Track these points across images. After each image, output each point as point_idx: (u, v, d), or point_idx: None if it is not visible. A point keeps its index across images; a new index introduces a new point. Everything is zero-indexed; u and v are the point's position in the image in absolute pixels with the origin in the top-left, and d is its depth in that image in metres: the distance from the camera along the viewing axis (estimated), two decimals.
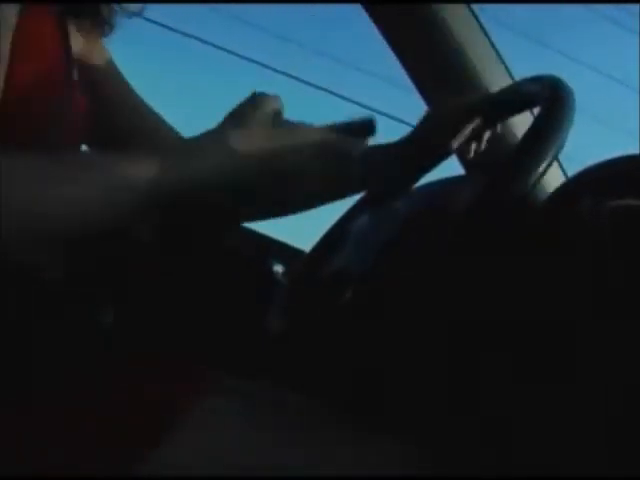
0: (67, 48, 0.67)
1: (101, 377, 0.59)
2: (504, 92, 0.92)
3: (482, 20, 1.06)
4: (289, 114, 0.63)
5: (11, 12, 0.52)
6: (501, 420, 0.62)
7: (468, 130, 0.86)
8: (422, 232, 0.71)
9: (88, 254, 0.67)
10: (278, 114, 0.60)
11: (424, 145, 0.86)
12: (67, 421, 0.56)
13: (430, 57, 1.05)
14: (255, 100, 0.60)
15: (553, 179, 0.95)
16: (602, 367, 0.57)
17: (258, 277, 1.00)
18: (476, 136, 0.88)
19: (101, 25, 0.75)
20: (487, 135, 0.89)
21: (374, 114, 0.65)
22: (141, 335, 0.69)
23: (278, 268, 1.02)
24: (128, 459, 0.54)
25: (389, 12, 1.02)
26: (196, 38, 2.83)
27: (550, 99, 0.68)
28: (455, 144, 0.86)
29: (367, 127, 0.64)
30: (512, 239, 0.63)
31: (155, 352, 0.66)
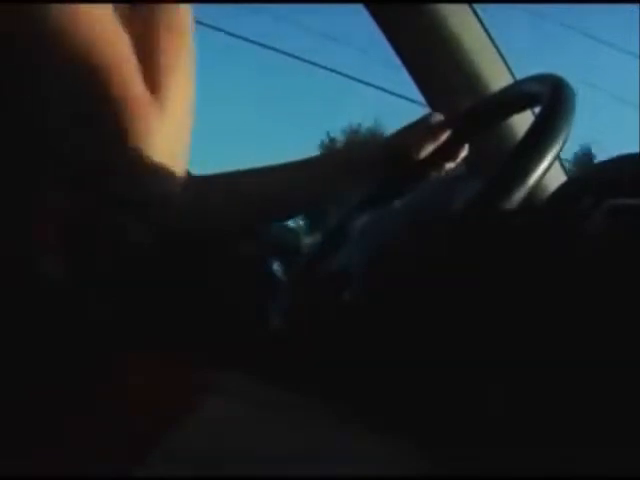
0: None
1: (101, 377, 0.59)
2: (505, 91, 0.92)
3: (483, 19, 1.06)
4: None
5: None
6: (501, 420, 0.62)
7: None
8: (422, 232, 0.71)
9: (89, 254, 0.67)
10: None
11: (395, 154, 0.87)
12: (67, 421, 0.56)
13: (431, 57, 1.05)
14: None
15: (554, 179, 0.95)
16: (602, 366, 0.57)
17: (258, 277, 1.00)
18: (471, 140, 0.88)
19: None
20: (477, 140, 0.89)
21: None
22: (141, 335, 0.69)
23: (278, 268, 1.02)
24: (128, 459, 0.54)
25: (391, 12, 1.02)
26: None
27: (551, 98, 0.68)
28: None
29: None
30: (512, 239, 0.63)
31: (155, 352, 0.66)
